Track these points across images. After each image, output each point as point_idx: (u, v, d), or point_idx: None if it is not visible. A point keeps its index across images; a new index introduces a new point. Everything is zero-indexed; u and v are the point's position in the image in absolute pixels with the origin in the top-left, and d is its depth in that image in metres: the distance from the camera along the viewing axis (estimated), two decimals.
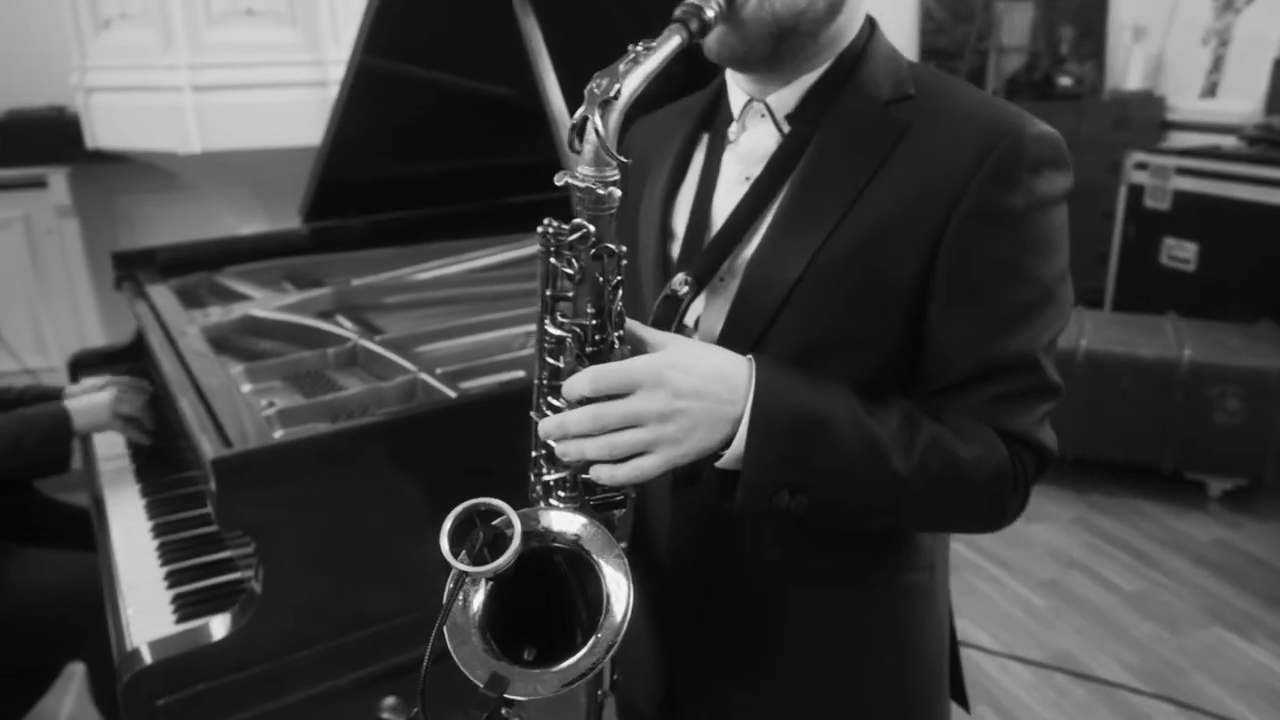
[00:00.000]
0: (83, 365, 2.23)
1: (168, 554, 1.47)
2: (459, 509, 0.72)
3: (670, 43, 0.74)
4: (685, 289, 0.86)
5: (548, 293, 0.77)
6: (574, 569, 0.77)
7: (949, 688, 1.02)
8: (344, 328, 1.92)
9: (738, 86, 0.90)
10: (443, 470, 1.32)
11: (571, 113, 1.78)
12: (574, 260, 0.74)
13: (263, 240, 2.49)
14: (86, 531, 1.87)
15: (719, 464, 0.76)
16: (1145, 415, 3.09)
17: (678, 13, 0.75)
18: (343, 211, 2.50)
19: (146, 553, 1.48)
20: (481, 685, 0.69)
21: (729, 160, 0.90)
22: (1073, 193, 0.83)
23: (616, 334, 0.77)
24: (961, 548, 2.87)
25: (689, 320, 0.88)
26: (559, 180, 0.74)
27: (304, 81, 2.85)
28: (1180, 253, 3.76)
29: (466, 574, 0.71)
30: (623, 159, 0.72)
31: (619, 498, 0.81)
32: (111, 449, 1.89)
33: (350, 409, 1.56)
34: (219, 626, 1.23)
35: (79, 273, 3.66)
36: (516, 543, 0.71)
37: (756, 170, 0.86)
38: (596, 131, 0.70)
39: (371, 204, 2.50)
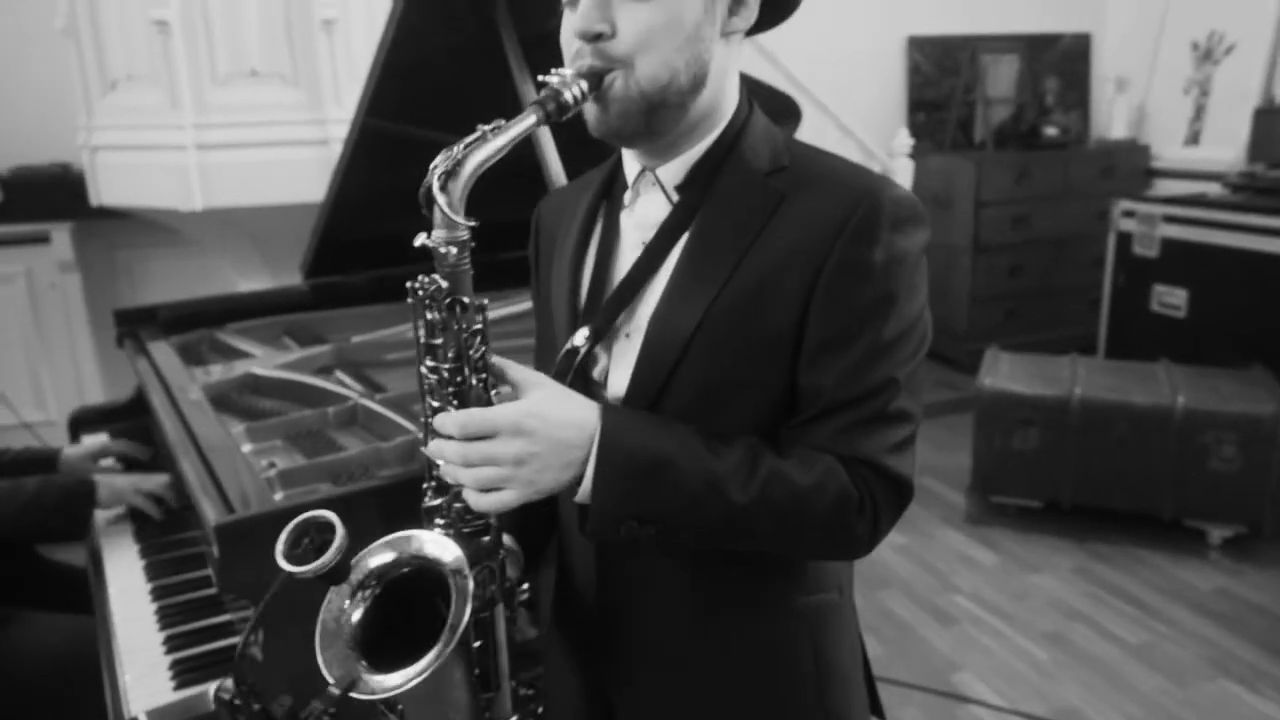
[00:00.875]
0: (82, 423, 2.25)
1: (167, 618, 1.46)
2: (298, 519, 0.84)
3: (524, 122, 0.83)
4: (583, 342, 0.94)
5: (422, 339, 0.87)
6: (440, 589, 0.85)
7: (868, 701, 1.10)
8: (344, 385, 1.93)
9: (632, 158, 0.98)
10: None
11: (565, 168, 1.81)
12: (436, 312, 0.85)
13: (263, 297, 2.50)
14: (84, 593, 1.88)
15: (576, 499, 0.86)
16: (1142, 462, 3.10)
17: (541, 94, 0.84)
18: (343, 268, 2.52)
19: (145, 617, 1.48)
20: (331, 682, 0.81)
21: (626, 225, 0.99)
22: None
23: (477, 377, 0.87)
24: (963, 600, 2.86)
25: (596, 374, 0.96)
26: (417, 243, 0.84)
27: (306, 140, 2.91)
28: (1170, 299, 3.80)
29: (291, 573, 0.81)
30: (469, 222, 0.83)
31: (482, 524, 0.91)
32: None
33: (351, 470, 1.56)
34: None
35: (80, 327, 3.68)
36: (334, 548, 0.82)
37: (650, 235, 0.95)
38: (437, 202, 0.81)
39: (371, 260, 2.53)
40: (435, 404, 0.88)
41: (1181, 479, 3.06)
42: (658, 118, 0.88)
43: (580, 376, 0.95)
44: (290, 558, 0.81)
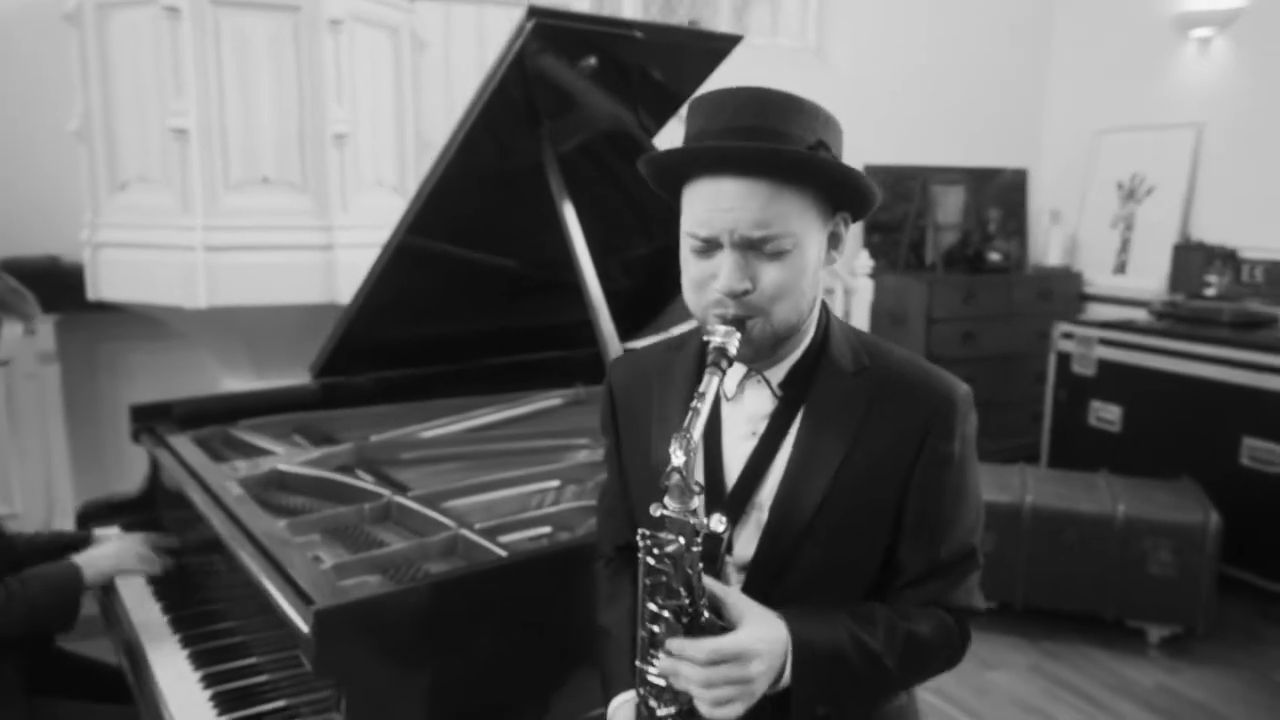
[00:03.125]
0: (91, 516, 2.28)
1: (224, 704, 1.53)
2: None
3: (713, 385, 0.99)
4: (722, 527, 1.03)
5: (647, 581, 1.01)
6: None
7: None
8: (367, 482, 2.03)
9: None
10: (508, 619, 1.44)
11: (603, 285, 1.95)
12: (667, 561, 0.99)
13: (273, 395, 2.59)
14: (111, 683, 1.91)
15: (772, 693, 1.03)
16: (1087, 566, 3.32)
17: (709, 359, 1.00)
18: (348, 369, 2.63)
19: (200, 704, 1.54)
20: None
21: (732, 416, 1.14)
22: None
23: (702, 603, 1.02)
24: (933, 698, 3.00)
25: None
26: (654, 511, 0.98)
27: (311, 245, 3.04)
28: (1106, 414, 4.11)
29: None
30: (698, 490, 0.98)
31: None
32: (137, 598, 1.94)
33: (397, 564, 1.66)
34: None
35: (55, 420, 3.66)
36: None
37: (760, 425, 1.12)
38: (679, 473, 0.96)
39: (379, 361, 2.65)
40: (657, 630, 1.02)
41: (1123, 582, 3.28)
42: (783, 347, 1.09)
43: (709, 555, 1.09)
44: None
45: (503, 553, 1.58)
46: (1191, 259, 4.42)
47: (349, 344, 2.50)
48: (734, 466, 1.12)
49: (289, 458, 2.16)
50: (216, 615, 1.84)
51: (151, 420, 2.38)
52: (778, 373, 1.12)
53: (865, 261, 4.03)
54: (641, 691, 1.07)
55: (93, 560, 1.85)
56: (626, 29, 1.74)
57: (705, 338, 1.03)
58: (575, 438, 2.41)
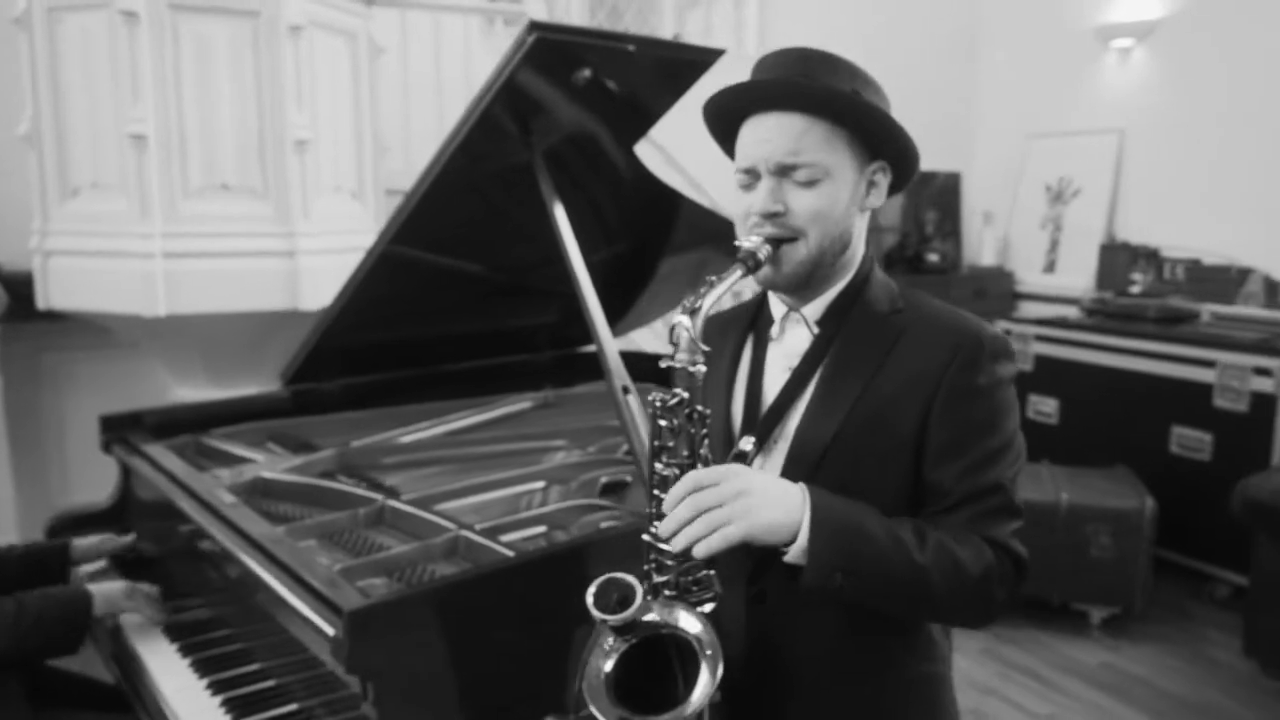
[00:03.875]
0: (60, 530, 2.24)
1: (235, 710, 1.53)
2: (599, 580, 1.01)
3: (733, 275, 1.09)
4: (750, 447, 1.15)
5: (655, 443, 1.09)
6: (681, 654, 1.03)
7: None
8: (353, 487, 2.04)
9: (778, 301, 1.23)
10: (521, 616, 1.48)
11: (596, 285, 2.00)
12: (674, 420, 1.07)
13: (245, 403, 2.57)
14: (103, 694, 1.89)
15: (786, 558, 1.04)
16: (1034, 553, 3.40)
17: (740, 254, 1.10)
18: (318, 375, 2.63)
19: (211, 711, 1.55)
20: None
21: (774, 353, 1.23)
22: None
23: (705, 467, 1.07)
24: None
25: None
26: (663, 364, 1.07)
27: (273, 251, 3.01)
28: (1044, 408, 4.30)
29: (605, 620, 0.98)
30: (705, 348, 1.07)
31: (709, 596, 1.07)
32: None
33: (402, 565, 1.69)
34: None
35: None
36: (638, 602, 0.98)
37: (795, 361, 1.19)
38: (687, 330, 1.06)
39: (348, 367, 2.65)
40: (664, 496, 1.06)
41: (1067, 566, 3.45)
42: (816, 274, 1.16)
43: None
44: (599, 607, 0.98)
45: (509, 552, 1.62)
46: (1117, 258, 4.65)
47: (323, 351, 2.50)
48: (771, 399, 1.19)
49: (271, 465, 2.16)
50: (211, 624, 1.84)
51: (123, 430, 2.35)
52: (815, 310, 1.18)
53: None
54: (646, 566, 1.08)
55: (106, 592, 1.82)
56: (620, 42, 1.79)
57: (736, 243, 1.11)
58: (552, 439, 2.45)
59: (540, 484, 2.15)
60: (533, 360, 3.02)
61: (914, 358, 1.13)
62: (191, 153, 2.90)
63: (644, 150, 3.75)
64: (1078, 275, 4.89)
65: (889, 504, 1.10)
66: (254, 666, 1.67)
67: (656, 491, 1.08)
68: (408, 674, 1.34)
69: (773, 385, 1.20)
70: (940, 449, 1.10)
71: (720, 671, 0.99)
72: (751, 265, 1.10)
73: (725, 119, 1.18)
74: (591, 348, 2.24)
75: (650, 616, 1.02)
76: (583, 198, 2.51)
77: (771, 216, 1.12)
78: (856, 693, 1.17)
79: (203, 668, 1.69)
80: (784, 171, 1.11)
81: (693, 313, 1.06)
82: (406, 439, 2.42)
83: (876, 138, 1.14)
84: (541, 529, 1.90)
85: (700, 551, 1.01)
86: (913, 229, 5.19)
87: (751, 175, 1.14)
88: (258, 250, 3.00)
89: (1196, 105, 4.52)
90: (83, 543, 2.00)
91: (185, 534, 1.92)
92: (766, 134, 1.12)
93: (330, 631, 1.34)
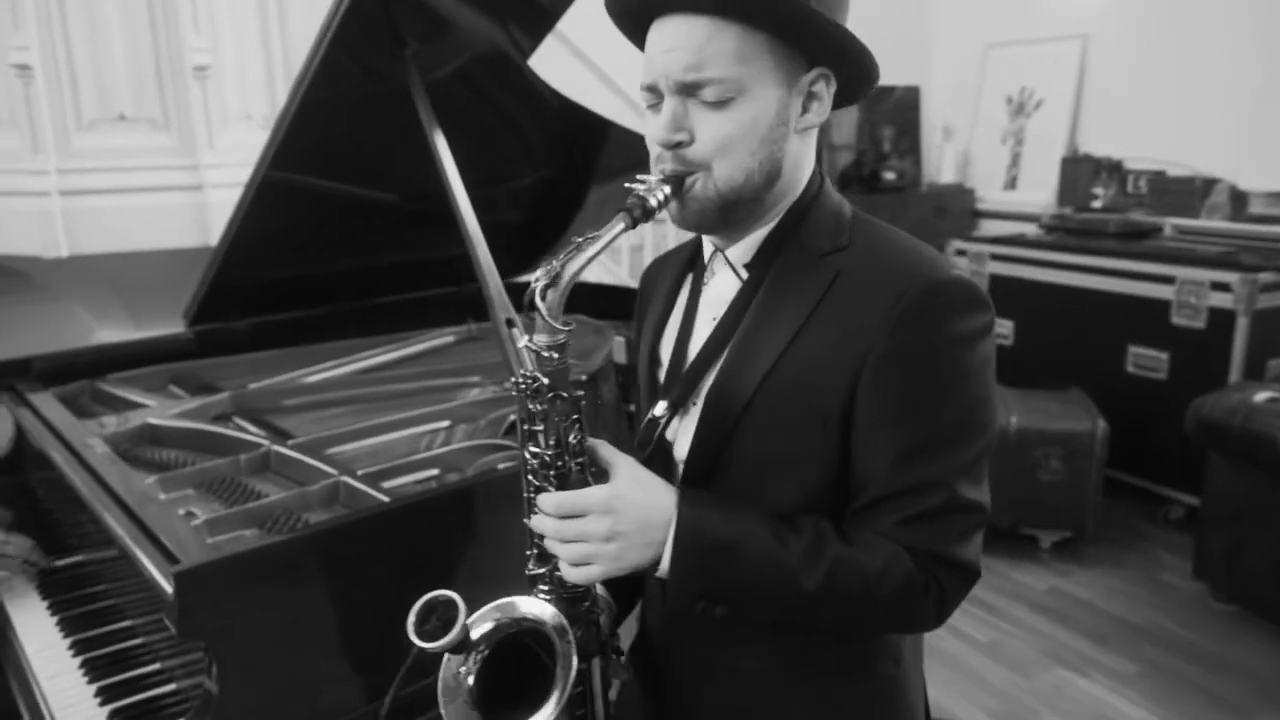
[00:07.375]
0: None
1: (95, 671, 1.45)
2: (421, 600, 0.89)
3: (614, 229, 0.89)
4: (663, 414, 1.01)
5: (525, 427, 0.94)
6: (545, 648, 0.94)
7: None
8: (246, 432, 1.94)
9: (707, 240, 1.04)
10: (391, 567, 1.39)
11: (491, 216, 1.88)
12: (538, 404, 0.91)
13: (145, 345, 2.45)
14: None
15: (656, 575, 0.93)
16: None
17: (627, 201, 0.90)
18: (226, 314, 2.50)
19: (70, 673, 1.46)
20: None
21: (703, 301, 1.04)
22: None
23: (575, 460, 0.94)
24: None
25: (670, 437, 1.03)
26: (520, 344, 0.95)
27: (177, 185, 2.87)
28: (999, 330, 4.20)
29: (422, 648, 0.87)
30: (567, 326, 0.88)
31: (580, 591, 0.99)
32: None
33: (275, 515, 1.59)
34: None
35: None
36: (459, 625, 0.87)
37: (722, 311, 1.00)
38: (540, 310, 0.87)
39: (256, 305, 2.52)
40: (536, 483, 0.94)
41: (1016, 491, 3.40)
42: (733, 212, 0.94)
43: (659, 446, 1.02)
44: (420, 634, 0.87)
45: (385, 498, 1.52)
46: (1079, 171, 4.52)
47: (222, 288, 2.37)
48: (694, 354, 1.02)
49: (161, 410, 2.05)
50: (88, 579, 1.75)
51: (9, 378, 2.23)
52: (742, 252, 0.99)
53: None
54: (527, 551, 0.99)
55: None
56: None
57: (628, 184, 0.91)
58: (468, 375, 2.34)
59: (445, 423, 2.05)
60: (457, 292, 2.89)
61: (849, 308, 0.91)
62: (83, 83, 2.75)
63: (576, 69, 3.58)
64: (1039, 191, 4.77)
65: (813, 489, 0.94)
66: (122, 624, 1.59)
67: (530, 477, 0.95)
68: (254, 636, 1.25)
69: (699, 337, 1.02)
70: (869, 426, 0.90)
71: (574, 660, 0.90)
72: (639, 214, 0.89)
73: (630, 19, 0.96)
74: (525, 278, 2.10)
75: (485, 626, 0.92)
76: (498, 119, 2.36)
77: (674, 147, 0.91)
78: (794, 699, 1.02)
79: (69, 626, 1.60)
80: (688, 90, 0.90)
81: (551, 283, 0.86)
82: (313, 379, 2.31)
83: (809, 41, 0.90)
84: (434, 472, 1.80)
85: (563, 574, 0.93)
86: (869, 146, 5.03)
87: (654, 94, 0.93)
88: (162, 184, 2.87)
89: (1161, 6, 4.34)
90: None
91: (61, 485, 1.82)
92: (669, 43, 0.90)
93: (170, 590, 1.24)
